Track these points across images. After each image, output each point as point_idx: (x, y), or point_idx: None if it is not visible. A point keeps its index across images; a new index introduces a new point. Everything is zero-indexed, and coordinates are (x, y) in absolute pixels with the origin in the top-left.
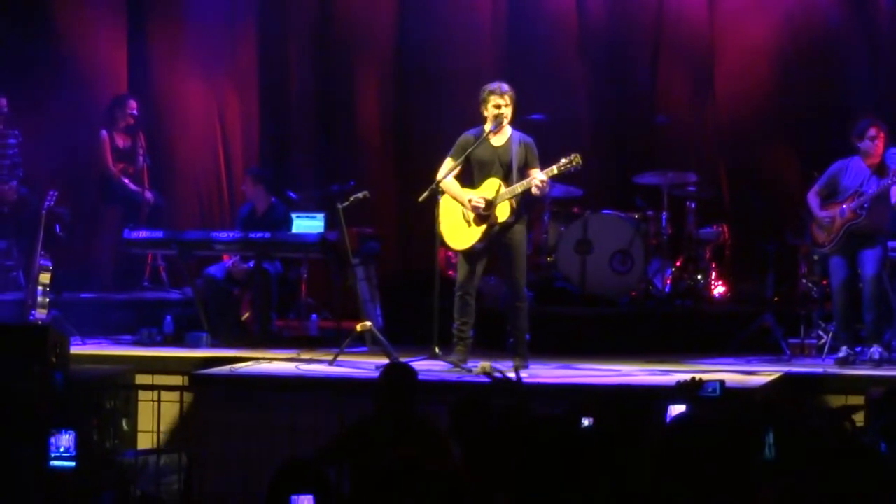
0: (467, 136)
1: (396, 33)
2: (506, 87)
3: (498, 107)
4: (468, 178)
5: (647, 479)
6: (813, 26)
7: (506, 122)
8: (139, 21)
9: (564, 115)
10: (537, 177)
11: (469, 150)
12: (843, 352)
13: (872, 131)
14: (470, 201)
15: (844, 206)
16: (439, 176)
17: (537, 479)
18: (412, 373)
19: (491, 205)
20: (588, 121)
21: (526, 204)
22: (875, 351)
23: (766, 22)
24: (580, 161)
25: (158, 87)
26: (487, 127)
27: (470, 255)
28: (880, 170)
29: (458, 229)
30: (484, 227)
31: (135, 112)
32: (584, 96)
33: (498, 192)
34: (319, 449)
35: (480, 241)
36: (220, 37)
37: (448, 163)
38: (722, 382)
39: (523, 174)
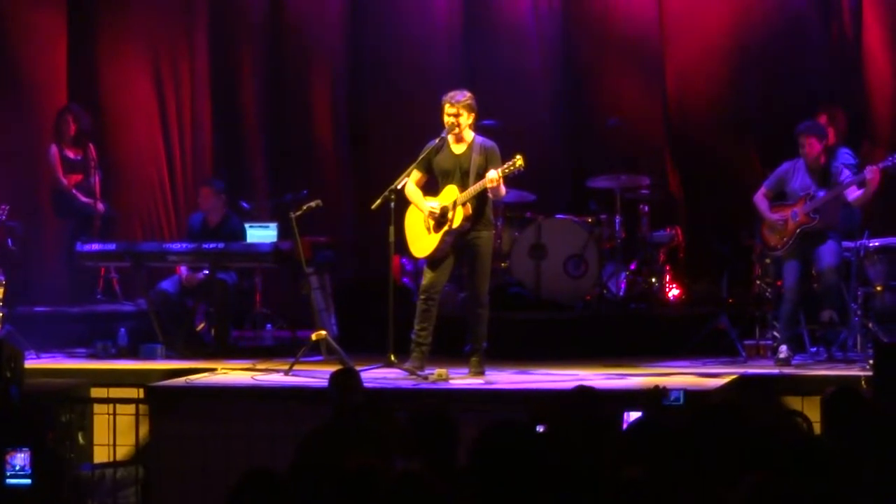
0: (429, 145)
1: (350, 40)
2: (460, 95)
3: (450, 116)
4: (434, 187)
5: (606, 483)
6: (767, 19)
7: (458, 130)
8: (82, 28)
9: (518, 120)
10: (488, 175)
11: (422, 158)
12: (783, 352)
13: (802, 140)
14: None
15: (796, 209)
16: (397, 184)
17: (498, 486)
18: (354, 374)
19: (446, 211)
20: (541, 125)
21: (494, 212)
22: (782, 349)
23: (717, 17)
24: (522, 163)
25: (104, 96)
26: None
27: (433, 261)
28: (825, 171)
29: (420, 237)
30: (440, 233)
31: (73, 123)
32: (537, 101)
33: (455, 198)
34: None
35: (438, 247)
36: (170, 43)
37: (412, 172)
38: (685, 391)
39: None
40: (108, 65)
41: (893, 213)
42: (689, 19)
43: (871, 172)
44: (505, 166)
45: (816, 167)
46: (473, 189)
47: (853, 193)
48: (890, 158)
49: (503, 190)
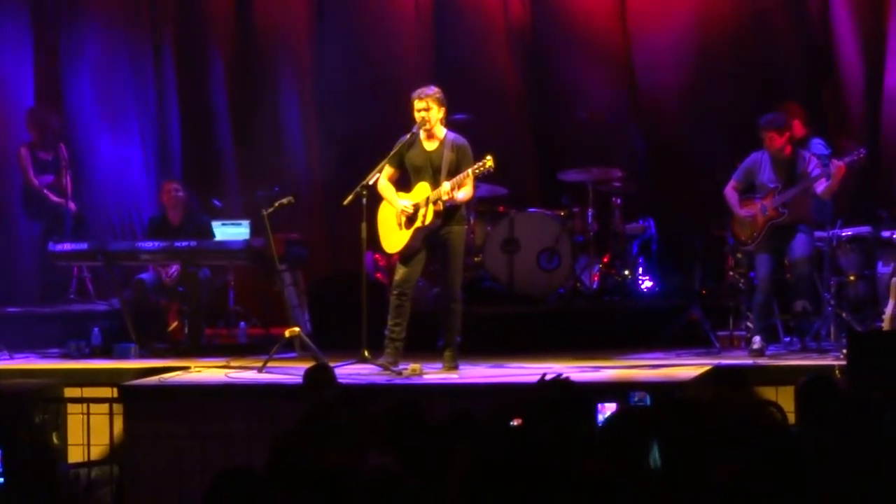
0: (400, 140)
1: (318, 36)
2: (429, 90)
3: (420, 111)
4: (406, 182)
5: (582, 475)
6: (734, 8)
7: (429, 125)
8: (45, 29)
9: (489, 114)
10: (440, 189)
11: (394, 154)
12: (757, 342)
13: (762, 135)
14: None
15: (766, 202)
16: (368, 180)
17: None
18: (328, 370)
19: (417, 209)
20: (511, 119)
21: (466, 206)
22: (756, 340)
23: (683, 8)
24: (492, 164)
25: (71, 97)
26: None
27: (405, 257)
28: (790, 164)
29: (391, 233)
30: (412, 230)
31: (34, 129)
32: (507, 94)
33: (427, 196)
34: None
35: (409, 244)
36: (136, 43)
37: (384, 168)
38: (651, 392)
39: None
40: (73, 65)
41: (865, 202)
42: (654, 12)
43: (836, 167)
44: (475, 166)
45: (781, 159)
46: (434, 193)
47: (820, 185)
48: (855, 153)
49: (461, 196)
